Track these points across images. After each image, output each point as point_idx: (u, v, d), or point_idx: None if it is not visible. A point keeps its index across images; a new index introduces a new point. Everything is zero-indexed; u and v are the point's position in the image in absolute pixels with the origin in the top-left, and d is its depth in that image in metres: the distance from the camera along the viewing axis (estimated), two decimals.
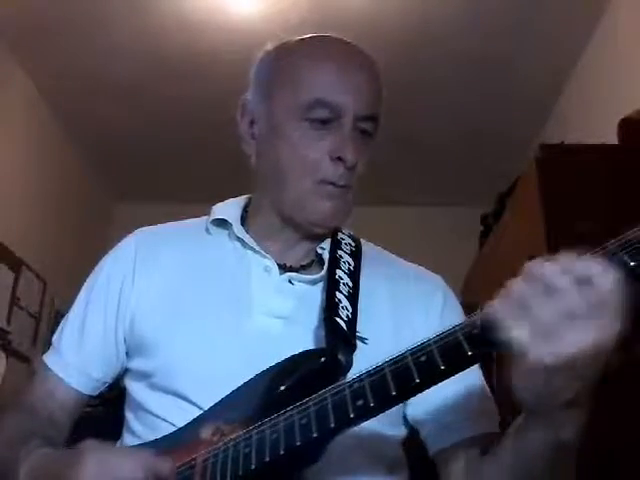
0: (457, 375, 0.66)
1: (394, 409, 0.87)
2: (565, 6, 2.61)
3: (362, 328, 0.89)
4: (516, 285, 0.60)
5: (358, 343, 0.87)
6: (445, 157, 3.67)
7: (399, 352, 0.67)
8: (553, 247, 1.56)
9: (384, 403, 0.67)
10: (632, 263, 0.59)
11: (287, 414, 0.72)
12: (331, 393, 0.70)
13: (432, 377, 0.64)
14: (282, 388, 0.79)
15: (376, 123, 0.95)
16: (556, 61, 2.90)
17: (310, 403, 0.71)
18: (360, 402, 0.67)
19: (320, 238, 0.98)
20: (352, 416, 0.67)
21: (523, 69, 2.98)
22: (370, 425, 0.83)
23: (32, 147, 3.37)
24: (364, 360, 0.71)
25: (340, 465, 0.83)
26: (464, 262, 2.52)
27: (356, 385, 0.68)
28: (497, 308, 0.61)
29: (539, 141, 1.97)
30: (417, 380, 0.64)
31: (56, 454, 0.81)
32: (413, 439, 0.95)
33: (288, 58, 0.97)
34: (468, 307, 1.02)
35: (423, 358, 0.64)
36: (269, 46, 1.01)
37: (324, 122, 0.91)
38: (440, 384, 0.66)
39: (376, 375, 0.67)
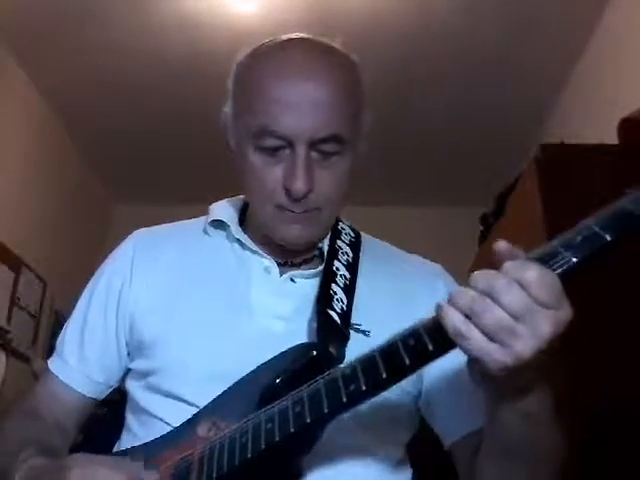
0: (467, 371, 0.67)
1: (402, 409, 0.89)
2: (565, 6, 2.61)
3: (364, 320, 0.89)
4: (461, 294, 0.61)
5: (360, 336, 0.88)
6: (445, 157, 3.67)
7: (389, 338, 0.68)
8: None
9: (375, 386, 0.68)
10: (574, 259, 0.62)
11: (281, 403, 0.73)
12: (324, 380, 0.71)
13: (421, 358, 0.65)
14: (275, 382, 0.79)
15: (340, 142, 0.87)
16: (556, 60, 2.90)
17: (303, 390, 0.72)
18: (352, 387, 0.68)
19: None
20: (345, 400, 0.68)
21: (523, 68, 2.98)
22: (375, 426, 0.84)
23: (32, 147, 3.37)
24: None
25: (343, 466, 0.83)
26: (464, 262, 2.51)
27: (348, 371, 0.69)
28: (447, 316, 0.61)
29: (539, 141, 1.97)
30: (407, 362, 0.65)
31: (45, 467, 0.81)
32: (415, 439, 0.96)
33: (244, 76, 0.92)
34: None
35: (412, 341, 0.65)
36: (239, 56, 0.95)
37: (275, 149, 0.86)
38: (451, 379, 0.67)
39: (367, 360, 0.69)
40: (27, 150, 3.32)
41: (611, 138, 1.85)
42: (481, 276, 0.61)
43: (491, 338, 0.59)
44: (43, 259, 3.38)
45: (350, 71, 0.91)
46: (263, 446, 0.71)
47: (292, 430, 0.70)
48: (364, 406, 0.72)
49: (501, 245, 0.64)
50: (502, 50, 2.88)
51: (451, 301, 0.62)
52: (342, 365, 0.73)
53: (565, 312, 0.60)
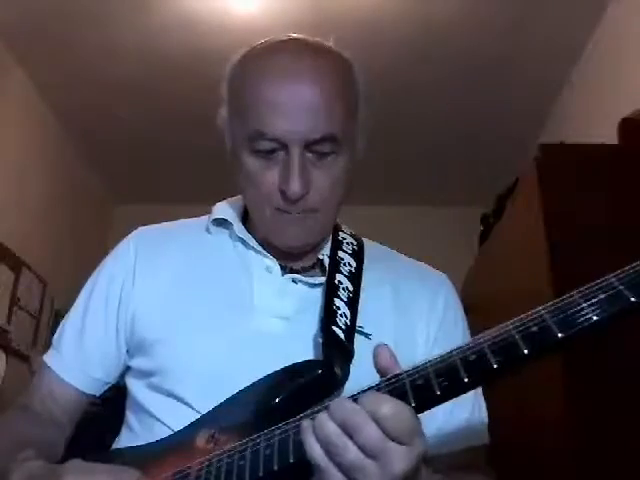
0: None
1: None
2: (565, 6, 2.61)
3: (365, 324, 0.89)
4: (323, 424, 0.62)
5: (361, 338, 0.87)
6: (445, 157, 3.67)
7: (393, 374, 0.66)
8: (553, 247, 1.57)
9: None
10: (595, 318, 0.59)
11: (282, 429, 0.71)
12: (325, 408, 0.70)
13: (426, 401, 0.64)
14: (278, 399, 0.79)
15: (335, 142, 0.86)
16: (556, 61, 2.90)
17: (306, 417, 0.70)
18: None
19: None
20: None
21: (523, 69, 2.98)
22: None
23: (32, 147, 3.37)
24: (368, 356, 0.71)
25: None
26: (464, 262, 2.52)
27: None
28: (310, 447, 0.62)
29: (539, 141, 1.97)
30: (413, 404, 0.63)
31: (42, 473, 0.79)
32: None
33: (238, 79, 0.91)
34: (468, 308, 1.03)
35: (420, 381, 0.64)
36: (232, 59, 0.94)
37: (270, 152, 0.86)
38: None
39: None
40: (27, 150, 3.32)
41: (611, 138, 1.85)
42: (339, 408, 0.62)
43: (346, 475, 0.60)
44: (43, 259, 3.38)
45: (343, 70, 0.91)
46: (261, 474, 0.69)
47: (291, 460, 0.68)
48: None
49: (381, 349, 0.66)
50: (502, 50, 2.88)
51: (315, 428, 0.62)
52: (346, 387, 0.72)
53: (418, 447, 0.61)
